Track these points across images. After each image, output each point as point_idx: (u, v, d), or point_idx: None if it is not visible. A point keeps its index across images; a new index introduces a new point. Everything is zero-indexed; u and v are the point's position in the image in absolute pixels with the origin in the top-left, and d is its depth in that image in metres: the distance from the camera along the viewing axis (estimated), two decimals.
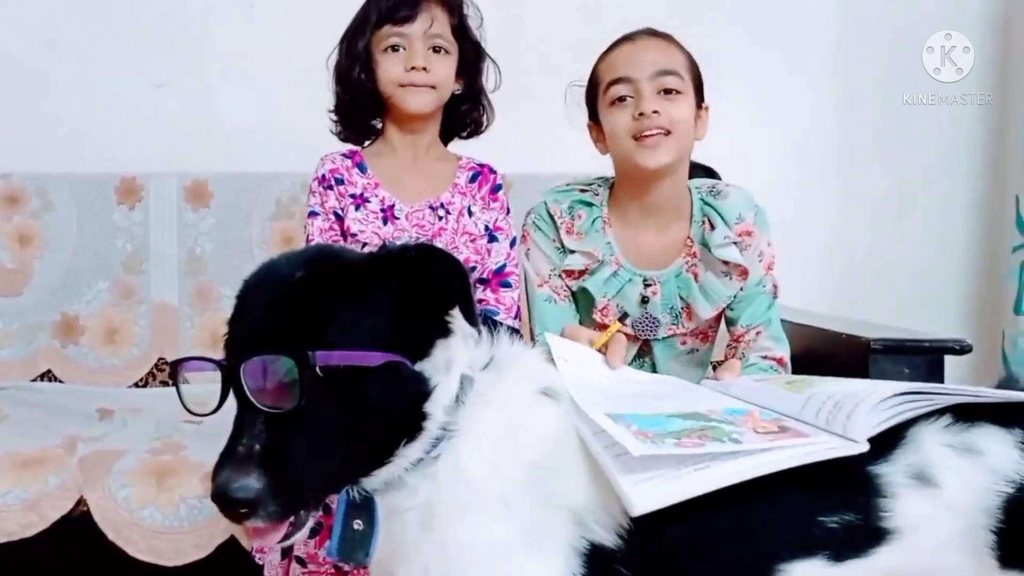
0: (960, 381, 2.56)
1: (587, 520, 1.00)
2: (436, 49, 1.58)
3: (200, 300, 2.38)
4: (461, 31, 1.62)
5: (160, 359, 2.36)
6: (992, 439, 1.00)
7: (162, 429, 1.85)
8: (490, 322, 1.50)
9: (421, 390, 0.98)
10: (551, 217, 1.60)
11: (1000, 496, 0.98)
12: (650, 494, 0.90)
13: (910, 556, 1.01)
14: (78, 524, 1.67)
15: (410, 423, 0.98)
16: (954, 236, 2.78)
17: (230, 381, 0.90)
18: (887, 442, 1.00)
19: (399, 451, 0.98)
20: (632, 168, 1.54)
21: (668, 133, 1.50)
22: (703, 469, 0.92)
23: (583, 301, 1.59)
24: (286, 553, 1.48)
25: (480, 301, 1.61)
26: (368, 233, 1.59)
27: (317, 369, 0.89)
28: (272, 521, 0.89)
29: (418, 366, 0.98)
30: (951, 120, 2.74)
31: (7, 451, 1.70)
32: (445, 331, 1.01)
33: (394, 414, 0.96)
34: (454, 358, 1.02)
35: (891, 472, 1.00)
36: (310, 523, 0.94)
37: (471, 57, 1.65)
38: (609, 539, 0.99)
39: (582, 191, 1.62)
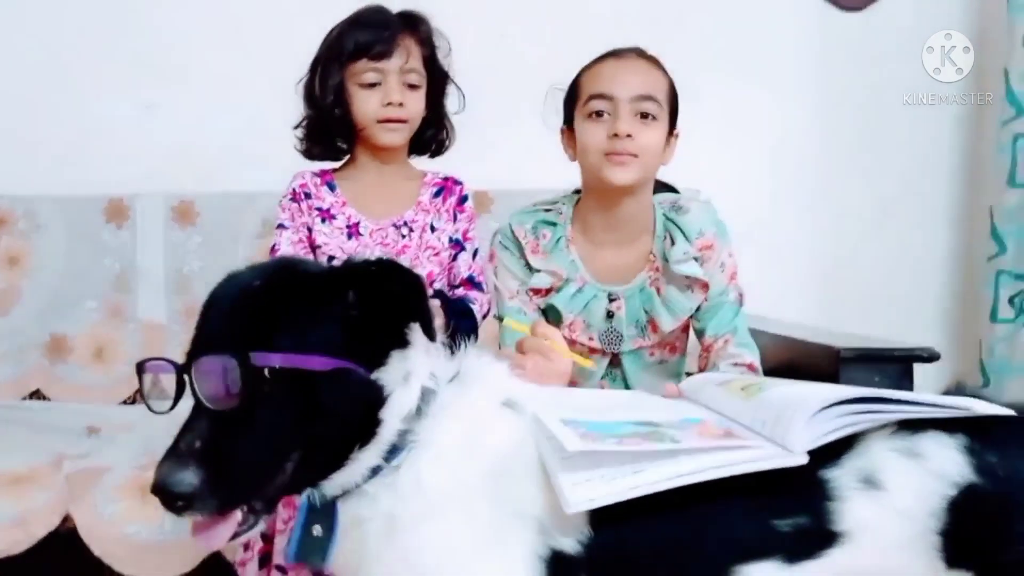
0: (938, 389, 2.59)
1: (549, 527, 1.02)
2: (410, 84, 1.64)
3: (188, 318, 2.38)
4: (431, 62, 1.68)
5: None
6: (937, 444, 1.03)
7: (149, 445, 1.84)
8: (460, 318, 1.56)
9: (374, 398, 1.02)
10: (515, 238, 1.64)
11: (945, 499, 1.01)
12: (585, 493, 0.93)
13: (860, 557, 1.03)
14: (65, 540, 1.70)
15: (363, 429, 1.01)
16: (932, 246, 2.81)
17: (182, 379, 0.95)
18: (837, 448, 1.02)
19: (353, 456, 1.02)
20: (598, 181, 1.58)
21: (635, 155, 1.54)
22: (640, 472, 0.94)
23: (551, 317, 1.63)
24: (264, 562, 1.51)
25: (459, 296, 1.69)
26: (333, 247, 1.65)
27: (265, 371, 0.93)
28: (209, 515, 0.93)
29: (374, 375, 1.01)
30: (928, 133, 2.78)
31: None
32: (402, 342, 1.04)
33: (345, 418, 1.00)
34: (412, 369, 1.05)
35: (840, 476, 1.02)
36: (261, 525, 0.98)
37: (438, 86, 1.70)
38: (570, 546, 1.02)
39: (546, 211, 1.66)
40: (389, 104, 1.61)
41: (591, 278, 1.62)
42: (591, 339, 1.63)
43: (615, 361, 1.66)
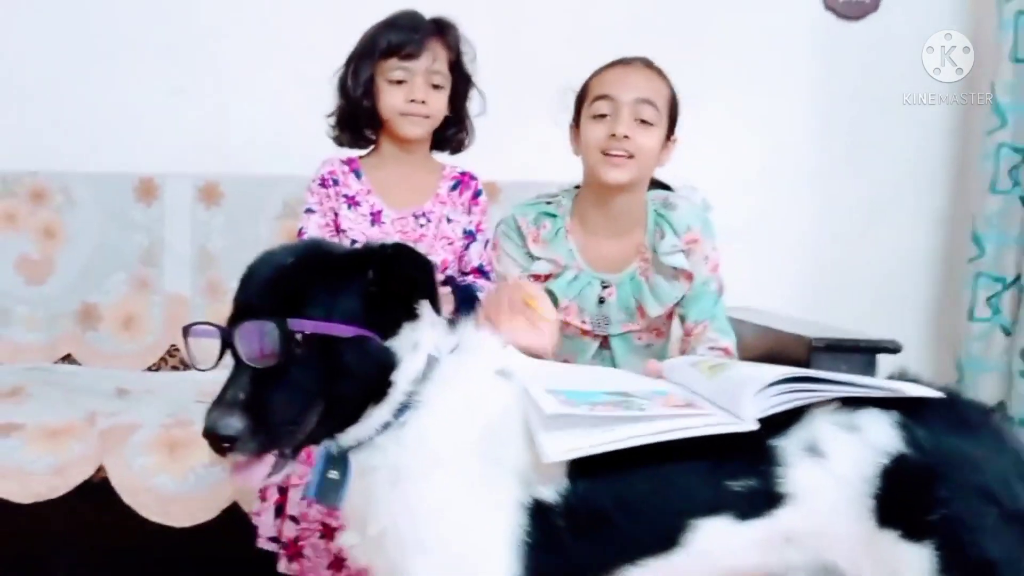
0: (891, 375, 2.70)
1: (531, 479, 1.14)
2: (435, 86, 1.75)
3: (210, 292, 2.50)
4: (457, 66, 1.79)
5: (172, 346, 2.49)
6: (872, 419, 1.14)
7: (173, 407, 1.98)
8: (468, 303, 1.69)
9: (388, 362, 1.14)
10: (518, 228, 1.76)
11: (878, 467, 1.12)
12: (560, 446, 1.07)
13: (803, 518, 1.15)
14: (98, 489, 1.83)
15: (377, 389, 1.14)
16: (919, 247, 2.89)
17: (226, 343, 1.08)
18: (785, 420, 1.14)
19: (368, 412, 1.14)
20: (594, 178, 1.70)
21: (632, 156, 1.66)
22: (609, 431, 1.07)
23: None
24: (279, 512, 1.64)
25: (467, 283, 1.81)
26: (356, 232, 1.77)
27: (298, 336, 1.05)
28: (249, 456, 1.05)
29: (388, 343, 1.14)
30: (919, 140, 2.86)
31: (36, 423, 1.87)
32: (413, 316, 1.17)
33: (363, 380, 1.12)
34: (420, 340, 1.18)
35: (787, 445, 1.14)
36: (287, 469, 1.10)
37: (461, 88, 1.81)
38: (550, 495, 1.14)
39: (547, 203, 1.78)
40: (413, 101, 1.72)
41: (586, 266, 1.74)
42: (584, 322, 1.75)
43: (605, 343, 1.78)
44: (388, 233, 1.77)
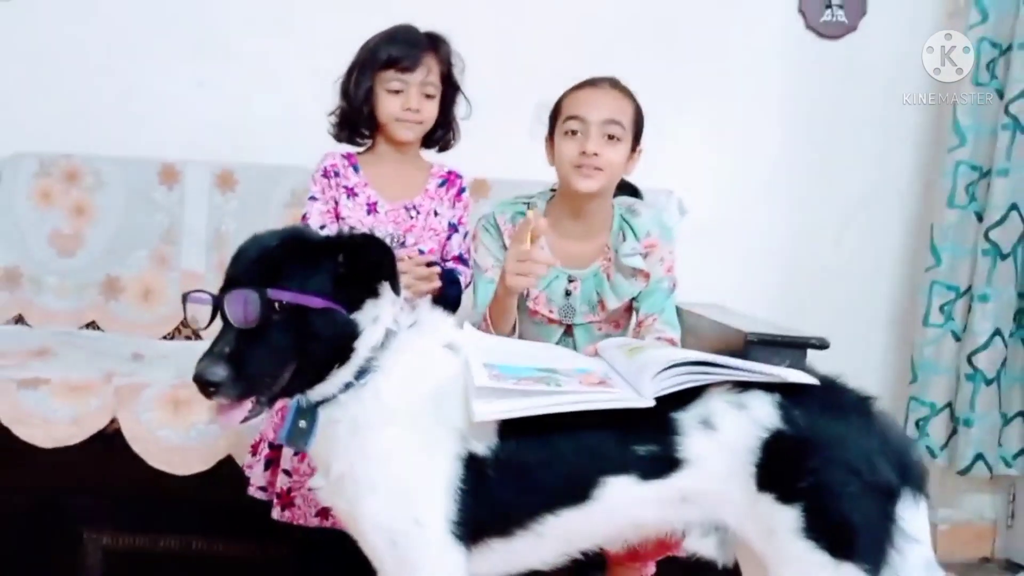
0: (880, 382, 2.86)
1: (468, 436, 1.31)
2: (427, 94, 1.91)
3: (222, 270, 2.29)
4: (447, 77, 1.95)
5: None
6: (757, 399, 1.32)
7: (182, 371, 2.02)
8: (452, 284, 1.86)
9: (351, 331, 1.32)
10: (496, 224, 1.92)
11: (760, 439, 1.29)
12: (486, 408, 1.25)
13: (697, 480, 1.32)
14: (111, 438, 1.98)
15: (341, 354, 1.31)
16: (884, 255, 2.98)
17: (217, 307, 1.26)
18: (686, 398, 1.32)
19: (333, 373, 1.32)
20: (567, 187, 1.87)
21: (601, 169, 1.83)
22: (528, 400, 1.26)
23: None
24: (269, 465, 1.81)
25: (451, 267, 1.96)
26: (354, 219, 1.93)
27: (276, 304, 1.23)
28: (230, 400, 1.23)
29: (353, 315, 1.32)
30: (887, 152, 2.96)
31: (60, 379, 2.03)
32: (375, 294, 1.35)
33: (329, 344, 1.30)
34: (381, 315, 1.35)
35: (685, 418, 1.31)
36: (263, 415, 1.29)
37: (450, 96, 1.98)
38: (482, 450, 1.31)
39: (524, 204, 1.94)
40: (408, 109, 1.88)
41: (555, 261, 1.90)
42: (551, 311, 1.92)
43: (569, 331, 1.95)
44: (382, 222, 1.92)
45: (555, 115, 1.92)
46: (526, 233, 1.62)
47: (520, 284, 1.67)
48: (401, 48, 1.89)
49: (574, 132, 1.84)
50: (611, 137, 1.83)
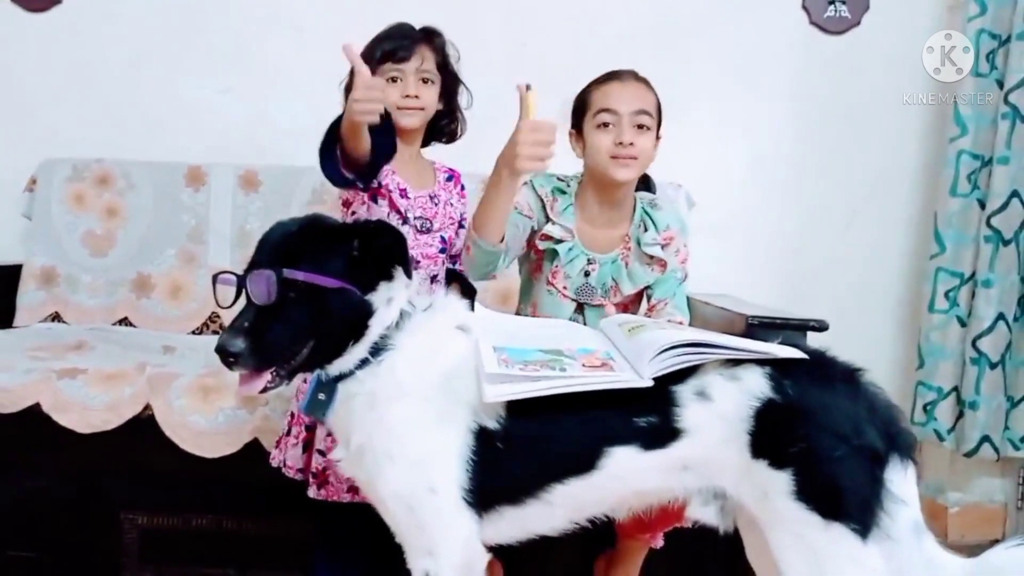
0: (888, 367, 2.88)
1: (479, 411, 1.39)
2: (424, 80, 1.98)
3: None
4: (443, 66, 2.02)
5: (213, 312, 2.73)
6: (750, 372, 1.38)
7: (210, 362, 2.14)
8: (453, 275, 1.94)
9: (365, 311, 1.40)
10: (536, 192, 1.97)
11: (752, 408, 1.36)
12: (497, 390, 1.32)
13: (695, 449, 1.39)
14: (144, 423, 2.06)
15: (355, 331, 1.40)
16: (890, 244, 3.03)
17: (240, 286, 1.35)
18: (683, 372, 1.38)
19: (349, 349, 1.40)
20: (604, 176, 1.93)
21: (635, 158, 1.91)
22: (534, 383, 1.33)
23: (547, 260, 1.98)
24: (307, 447, 1.87)
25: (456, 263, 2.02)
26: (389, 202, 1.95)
27: (292, 283, 1.31)
28: (249, 370, 1.32)
29: (367, 296, 1.40)
30: (890, 143, 3.01)
31: (96, 369, 2.13)
32: (389, 277, 1.43)
33: (343, 322, 1.39)
34: (394, 296, 1.44)
35: (682, 390, 1.38)
36: (282, 387, 1.37)
37: (450, 84, 2.04)
38: (492, 424, 1.39)
39: (560, 180, 2.00)
40: (407, 96, 1.94)
41: (580, 243, 1.98)
42: (565, 288, 1.98)
43: (580, 309, 2.02)
44: (412, 207, 1.96)
45: (581, 109, 1.98)
46: (533, 110, 1.63)
47: (534, 166, 1.63)
48: (395, 41, 1.96)
49: (606, 124, 1.90)
50: (641, 127, 1.91)
